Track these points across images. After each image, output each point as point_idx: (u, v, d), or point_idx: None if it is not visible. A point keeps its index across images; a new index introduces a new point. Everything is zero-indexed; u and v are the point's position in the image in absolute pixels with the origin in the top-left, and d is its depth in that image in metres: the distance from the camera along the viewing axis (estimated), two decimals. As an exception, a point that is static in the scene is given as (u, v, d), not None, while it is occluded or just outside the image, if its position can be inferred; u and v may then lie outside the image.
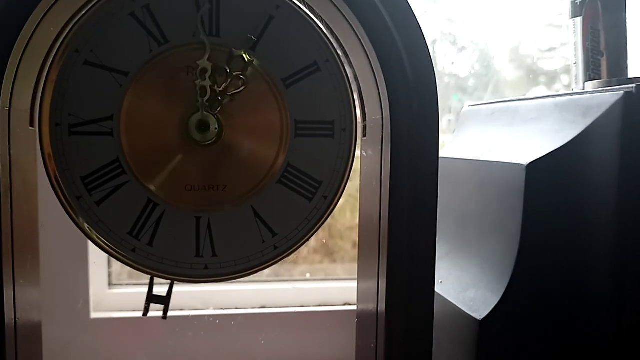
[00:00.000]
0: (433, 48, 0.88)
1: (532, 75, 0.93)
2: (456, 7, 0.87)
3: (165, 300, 0.42)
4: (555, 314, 0.43)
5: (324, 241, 0.81)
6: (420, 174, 0.39)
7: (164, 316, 0.42)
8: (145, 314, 0.42)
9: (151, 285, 0.42)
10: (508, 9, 0.88)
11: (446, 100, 0.90)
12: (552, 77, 0.95)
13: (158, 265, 0.40)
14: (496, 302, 0.43)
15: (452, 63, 0.90)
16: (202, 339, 0.67)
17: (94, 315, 0.67)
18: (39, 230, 0.42)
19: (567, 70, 0.92)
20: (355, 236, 0.79)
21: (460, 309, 0.46)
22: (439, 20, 0.88)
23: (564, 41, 0.91)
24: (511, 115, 0.52)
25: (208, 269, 0.41)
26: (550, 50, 0.94)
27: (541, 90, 0.95)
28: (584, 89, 0.50)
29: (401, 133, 0.38)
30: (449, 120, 0.91)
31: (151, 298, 0.42)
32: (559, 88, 0.95)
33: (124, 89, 0.39)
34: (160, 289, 0.43)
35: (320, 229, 0.42)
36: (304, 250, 0.77)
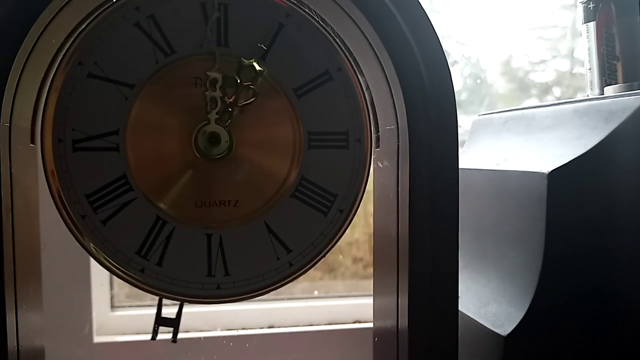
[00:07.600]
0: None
1: (524, 87, 0.93)
2: (447, 22, 0.87)
3: (175, 323, 0.40)
4: (583, 328, 0.42)
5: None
6: (441, 183, 0.37)
7: (174, 339, 0.40)
8: (154, 338, 0.40)
9: (160, 307, 0.40)
10: (498, 22, 0.88)
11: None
12: (544, 90, 0.95)
13: (168, 286, 0.38)
14: (521, 317, 0.41)
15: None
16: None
17: (96, 339, 0.64)
18: (41, 251, 0.40)
19: (558, 82, 0.92)
20: (355, 252, 0.78)
21: (482, 325, 0.44)
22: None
23: (554, 53, 0.91)
24: (526, 123, 0.50)
25: (220, 289, 0.39)
26: (541, 62, 0.94)
27: (534, 102, 0.95)
28: (602, 94, 0.49)
29: (420, 142, 0.37)
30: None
31: (160, 320, 0.40)
32: (551, 100, 0.94)
33: (129, 102, 0.37)
34: (168, 310, 0.40)
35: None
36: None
